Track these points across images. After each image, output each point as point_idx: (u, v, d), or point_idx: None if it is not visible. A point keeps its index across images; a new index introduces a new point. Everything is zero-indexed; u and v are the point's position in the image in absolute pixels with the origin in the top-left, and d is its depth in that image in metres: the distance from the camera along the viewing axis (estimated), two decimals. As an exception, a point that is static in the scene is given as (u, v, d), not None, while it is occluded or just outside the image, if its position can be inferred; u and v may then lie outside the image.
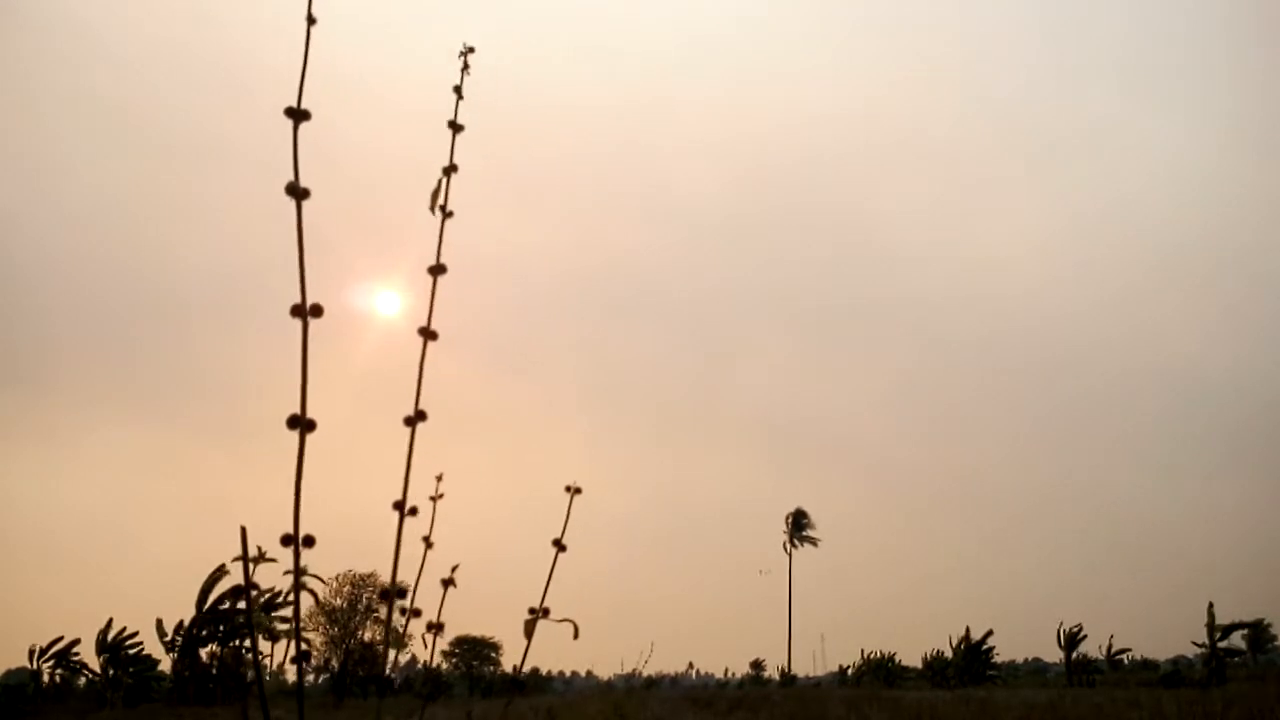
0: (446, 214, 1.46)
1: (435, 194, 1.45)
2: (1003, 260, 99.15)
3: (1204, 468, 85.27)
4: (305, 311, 1.17)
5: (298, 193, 1.22)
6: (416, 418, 1.33)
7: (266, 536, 1.22)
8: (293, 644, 1.31)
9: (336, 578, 39.02)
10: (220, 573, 23.82)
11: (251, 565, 1.17)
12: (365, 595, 41.62)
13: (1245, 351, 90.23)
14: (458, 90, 1.54)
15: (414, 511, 1.31)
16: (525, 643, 1.60)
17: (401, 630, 1.32)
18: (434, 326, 1.38)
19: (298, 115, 1.25)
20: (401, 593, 1.28)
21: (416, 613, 1.31)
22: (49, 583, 57.06)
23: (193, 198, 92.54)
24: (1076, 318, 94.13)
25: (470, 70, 1.52)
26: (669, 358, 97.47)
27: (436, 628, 1.44)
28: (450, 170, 1.50)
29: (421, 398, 1.30)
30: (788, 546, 58.35)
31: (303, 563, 1.18)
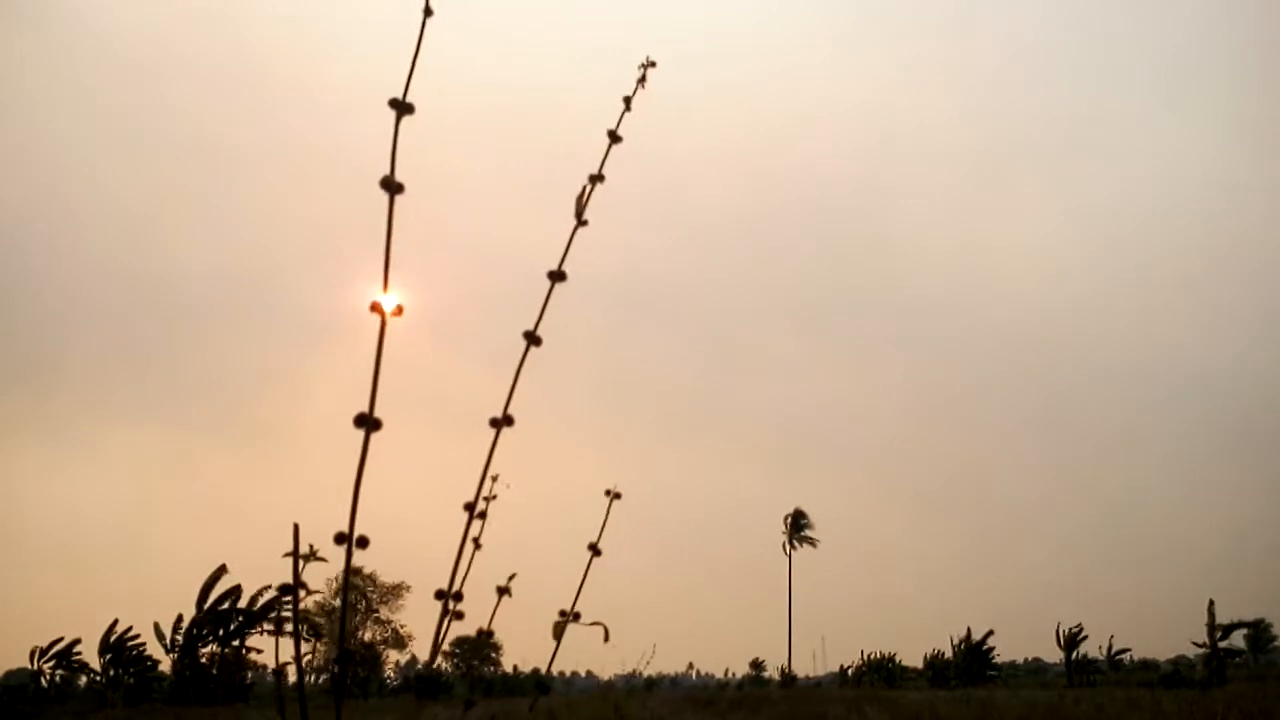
0: (583, 222, 1.45)
1: (579, 200, 1.45)
2: (1003, 260, 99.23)
3: (1204, 467, 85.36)
4: (384, 311, 1.17)
5: (392, 187, 1.22)
6: (504, 421, 1.32)
7: (273, 536, 1.21)
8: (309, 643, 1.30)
9: (336, 578, 39.00)
10: (220, 572, 23.78)
11: (301, 562, 1.17)
12: (366, 595, 41.65)
13: (1246, 351, 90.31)
14: (627, 101, 1.53)
15: (483, 515, 1.31)
16: (529, 643, 1.59)
17: (443, 634, 1.32)
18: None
19: (401, 107, 1.24)
20: (458, 595, 1.27)
21: (460, 615, 1.30)
22: (55, 583, 57.03)
23: (203, 200, 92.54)
24: (1076, 318, 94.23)
25: (646, 84, 1.50)
26: (671, 358, 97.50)
27: (486, 635, 1.44)
28: (597, 179, 1.48)
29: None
30: (787, 547, 58.33)
31: (325, 562, 1.18)
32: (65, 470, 74.05)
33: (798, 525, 58.49)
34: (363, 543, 1.14)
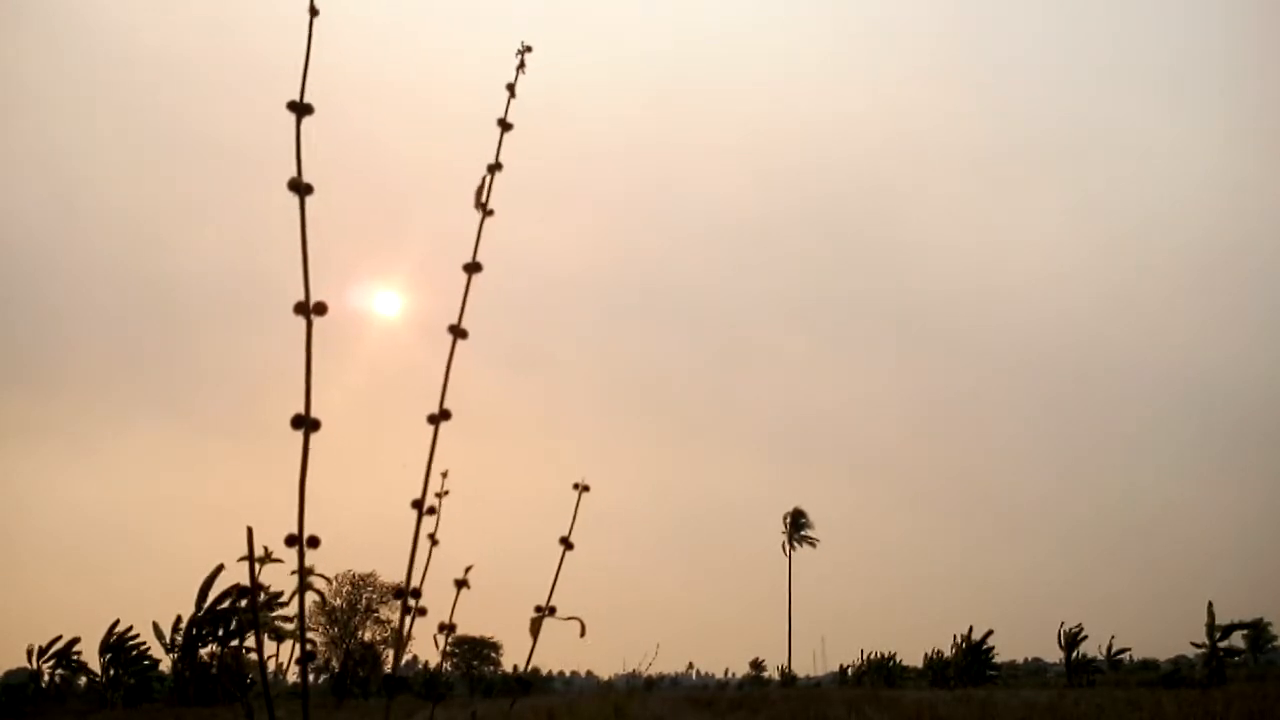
0: (488, 212, 1.46)
1: (480, 191, 1.46)
2: (1003, 260, 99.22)
3: (1204, 467, 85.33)
4: (309, 309, 1.16)
5: (300, 189, 1.21)
6: (440, 416, 1.32)
7: (277, 537, 1.21)
8: (297, 644, 1.30)
9: (336, 578, 39.05)
10: (218, 571, 23.77)
11: (257, 565, 1.16)
12: (365, 595, 41.68)
13: (1246, 351, 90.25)
14: (510, 88, 1.55)
15: (432, 510, 1.30)
16: (528, 642, 1.59)
17: (407, 631, 1.31)
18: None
19: (300, 110, 1.23)
20: (415, 593, 1.26)
21: (423, 612, 1.30)
22: (55, 583, 57.11)
23: (204, 198, 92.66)
24: (1076, 317, 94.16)
25: (525, 70, 1.53)
26: (674, 357, 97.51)
27: (448, 629, 1.43)
28: (495, 168, 1.50)
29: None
30: (787, 547, 58.35)
31: (308, 563, 1.17)
32: (66, 470, 74.20)
33: (797, 525, 58.51)
34: (314, 542, 1.13)
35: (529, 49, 1.53)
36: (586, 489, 1.56)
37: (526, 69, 1.58)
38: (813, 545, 58.61)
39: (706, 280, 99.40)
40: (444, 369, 1.35)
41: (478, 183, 1.50)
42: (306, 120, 1.25)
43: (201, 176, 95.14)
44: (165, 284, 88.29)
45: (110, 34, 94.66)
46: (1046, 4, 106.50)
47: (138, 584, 57.20)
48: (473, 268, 1.42)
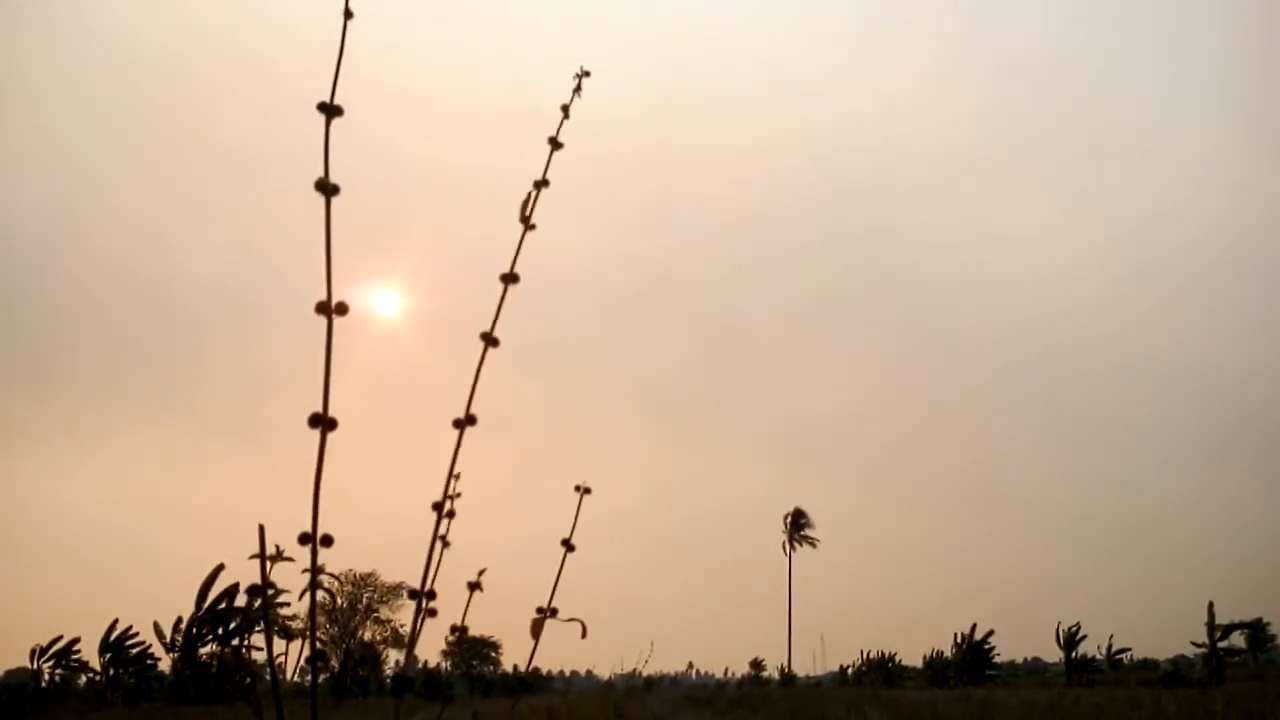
0: (530, 226, 1.46)
1: (525, 205, 1.46)
2: (1004, 260, 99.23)
3: (1204, 467, 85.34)
4: (331, 309, 1.17)
5: (327, 189, 1.21)
6: (466, 420, 1.31)
7: (279, 536, 1.21)
8: (305, 643, 1.31)
9: (337, 577, 39.01)
10: (218, 571, 23.79)
11: (269, 564, 1.17)
12: (365, 595, 41.68)
13: (1248, 351, 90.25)
14: (565, 110, 1.54)
15: (451, 514, 1.31)
16: (528, 642, 1.59)
17: (418, 631, 1.31)
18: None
19: (330, 110, 1.23)
20: (431, 594, 1.27)
21: (433, 613, 1.30)
22: (56, 583, 57.12)
23: (204, 198, 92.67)
24: (1078, 318, 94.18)
25: (582, 93, 1.52)
26: (675, 356, 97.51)
27: (460, 631, 1.43)
28: (542, 184, 1.49)
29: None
30: (787, 547, 58.34)
31: (319, 562, 1.18)
32: (67, 470, 74.23)
33: (797, 525, 58.49)
34: (327, 541, 1.14)
35: (587, 74, 1.52)
36: (588, 491, 1.56)
37: (582, 89, 1.56)
38: (813, 545, 58.62)
39: (707, 279, 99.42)
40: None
41: (488, 185, 1.51)
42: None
43: (202, 176, 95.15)
44: (166, 284, 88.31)
45: (110, 34, 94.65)
46: (1047, 4, 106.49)
47: (138, 584, 57.24)
48: (509, 278, 1.42)
